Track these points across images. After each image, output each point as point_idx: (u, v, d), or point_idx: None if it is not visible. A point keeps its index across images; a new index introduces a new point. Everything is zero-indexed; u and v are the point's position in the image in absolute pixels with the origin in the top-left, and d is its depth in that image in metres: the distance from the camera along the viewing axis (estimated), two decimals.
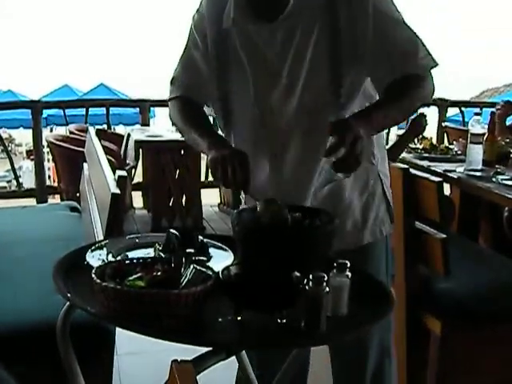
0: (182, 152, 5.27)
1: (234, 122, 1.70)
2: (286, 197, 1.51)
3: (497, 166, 2.98)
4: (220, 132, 1.76)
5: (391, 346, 1.86)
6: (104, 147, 3.50)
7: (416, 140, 3.53)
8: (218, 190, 6.25)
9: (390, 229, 1.79)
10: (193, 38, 1.73)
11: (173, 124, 1.85)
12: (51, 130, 11.76)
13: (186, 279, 1.19)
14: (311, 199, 1.66)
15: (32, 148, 6.75)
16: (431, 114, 5.37)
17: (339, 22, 1.54)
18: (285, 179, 1.66)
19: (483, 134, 2.99)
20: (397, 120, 1.68)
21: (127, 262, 1.30)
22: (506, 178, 2.75)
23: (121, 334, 1.89)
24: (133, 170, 5.64)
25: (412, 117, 3.23)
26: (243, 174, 1.44)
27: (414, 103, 1.63)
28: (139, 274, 1.21)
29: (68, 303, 1.38)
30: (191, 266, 1.22)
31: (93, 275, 1.19)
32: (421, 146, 3.47)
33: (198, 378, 0.97)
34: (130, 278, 1.19)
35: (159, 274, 1.21)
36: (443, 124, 5.92)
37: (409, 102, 1.60)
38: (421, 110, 3.68)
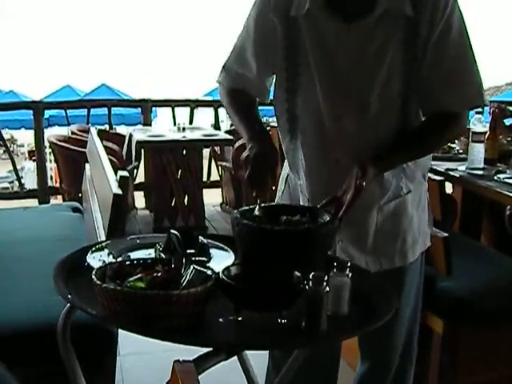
0: (184, 152, 5.28)
1: (299, 123, 1.64)
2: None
3: (498, 165, 2.97)
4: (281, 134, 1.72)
5: (416, 345, 1.87)
6: (106, 147, 3.51)
7: None
8: (219, 189, 6.26)
9: (429, 241, 1.79)
10: (248, 26, 1.67)
11: (223, 104, 1.79)
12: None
13: (187, 280, 1.19)
14: (376, 213, 1.65)
15: (34, 149, 6.75)
16: None
17: (419, 38, 1.50)
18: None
19: (485, 133, 2.98)
20: (418, 157, 1.65)
21: (127, 263, 1.30)
22: (508, 176, 2.74)
23: (123, 334, 1.88)
24: (135, 171, 5.65)
25: None
26: (261, 179, 1.47)
27: (443, 142, 1.79)
28: (139, 275, 1.21)
29: (69, 304, 1.39)
30: (191, 267, 1.22)
31: (93, 276, 1.19)
32: None
33: (199, 377, 0.97)
34: (131, 279, 1.19)
35: (159, 275, 1.21)
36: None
37: (438, 142, 1.70)
38: None
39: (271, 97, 1.76)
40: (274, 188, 1.81)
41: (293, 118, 1.64)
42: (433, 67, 1.52)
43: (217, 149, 6.05)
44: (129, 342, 2.40)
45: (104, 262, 1.36)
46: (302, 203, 1.71)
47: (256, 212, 1.44)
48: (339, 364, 1.92)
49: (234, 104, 1.72)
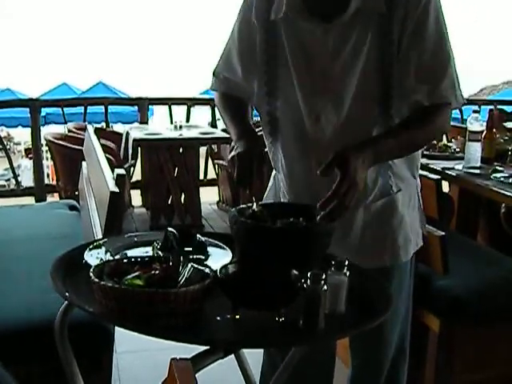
0: (181, 150, 5.28)
1: (279, 125, 1.65)
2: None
3: (495, 164, 2.98)
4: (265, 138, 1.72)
5: (408, 345, 1.87)
6: (103, 145, 3.51)
7: None
8: (216, 187, 6.26)
9: (421, 240, 1.78)
10: (233, 31, 1.69)
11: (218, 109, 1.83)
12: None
13: (184, 278, 1.19)
14: (363, 213, 1.64)
15: (30, 146, 6.74)
16: None
17: (392, 34, 1.49)
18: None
19: (481, 132, 2.99)
20: (405, 154, 1.60)
21: (125, 260, 1.30)
22: (505, 175, 2.75)
23: (120, 332, 1.88)
24: (131, 169, 5.64)
25: None
26: (244, 177, 1.48)
27: (430, 138, 1.66)
28: (137, 273, 1.21)
29: (66, 302, 1.38)
30: (189, 265, 1.22)
31: (91, 274, 1.19)
32: None
33: (196, 376, 0.97)
34: (128, 277, 1.19)
35: (157, 272, 1.21)
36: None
37: (420, 135, 1.56)
38: None
39: None
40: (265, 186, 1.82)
41: (273, 121, 1.65)
42: (406, 60, 1.50)
43: (214, 147, 6.04)
44: (125, 340, 2.40)
45: (102, 259, 1.36)
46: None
47: (254, 208, 1.44)
48: (335, 362, 1.92)
49: (225, 107, 1.75)
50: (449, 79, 1.53)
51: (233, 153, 1.52)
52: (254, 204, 1.45)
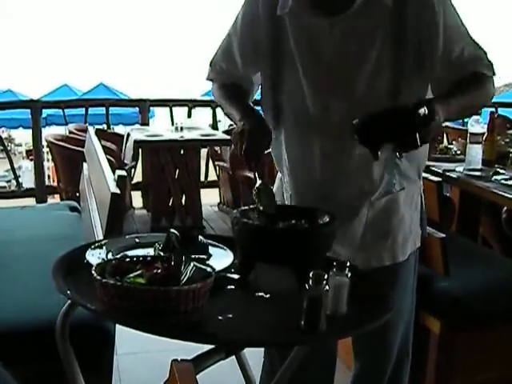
0: (182, 151, 5.28)
1: (283, 118, 1.65)
2: (338, 201, 1.52)
3: (496, 166, 2.98)
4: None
5: (411, 347, 1.87)
6: (103, 147, 3.51)
7: None
8: (217, 189, 6.26)
9: (419, 241, 1.78)
10: (236, 23, 1.69)
11: (215, 100, 1.83)
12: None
13: (187, 277, 1.19)
14: (367, 210, 1.64)
15: (31, 148, 6.74)
16: None
17: (406, 32, 1.50)
18: (339, 182, 1.62)
19: (482, 134, 2.99)
20: (465, 113, 1.67)
21: (127, 259, 1.30)
22: (506, 177, 2.74)
23: (121, 333, 1.89)
24: (132, 170, 5.64)
25: None
26: (254, 151, 1.47)
27: (482, 99, 1.64)
28: (139, 272, 1.21)
29: (68, 302, 1.39)
30: (191, 264, 1.22)
31: (93, 272, 1.19)
32: None
33: (197, 377, 0.97)
34: (131, 275, 1.19)
35: (159, 271, 1.21)
36: (443, 124, 5.91)
37: (477, 97, 1.60)
38: None
39: (257, 97, 1.78)
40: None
41: (277, 115, 1.65)
42: (437, 53, 1.52)
43: (217, 149, 6.04)
44: (126, 342, 2.40)
45: (103, 259, 1.36)
46: (285, 200, 1.73)
47: (258, 185, 1.46)
48: (336, 362, 1.92)
49: (224, 94, 1.75)
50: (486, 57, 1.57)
51: (240, 128, 1.50)
52: (258, 182, 1.46)
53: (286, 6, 1.55)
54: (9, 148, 11.15)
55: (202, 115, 7.59)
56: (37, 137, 6.04)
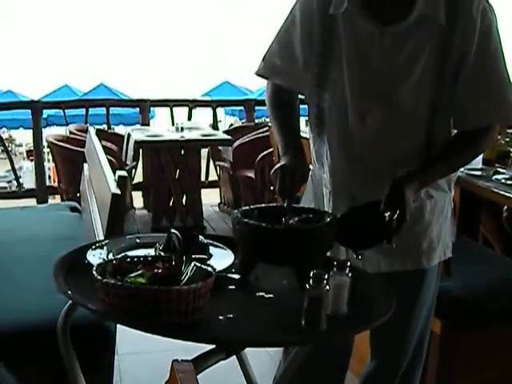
0: (182, 152, 5.28)
1: (326, 117, 1.65)
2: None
3: (496, 165, 2.97)
4: (308, 130, 1.74)
5: (425, 349, 1.87)
6: (104, 147, 3.51)
7: None
8: (218, 189, 6.26)
9: (450, 252, 1.78)
10: (294, 18, 1.67)
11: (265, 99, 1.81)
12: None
13: (187, 277, 1.19)
14: None
15: (32, 148, 6.75)
16: None
17: (452, 49, 1.52)
18: (369, 185, 1.62)
19: None
20: (452, 172, 1.69)
21: (128, 259, 1.30)
22: (506, 177, 2.74)
23: (121, 334, 1.89)
24: (133, 170, 5.64)
25: None
26: (289, 192, 1.49)
27: (478, 152, 1.75)
28: (140, 272, 1.21)
29: (69, 303, 1.39)
30: (192, 264, 1.22)
31: (94, 272, 1.19)
32: None
33: (198, 377, 0.97)
34: (131, 275, 1.19)
35: (160, 271, 1.21)
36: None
37: (469, 156, 1.67)
38: None
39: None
40: None
41: (320, 113, 1.65)
42: (467, 79, 1.54)
43: (221, 148, 6.03)
44: (127, 342, 2.40)
45: (104, 259, 1.36)
46: (324, 196, 1.72)
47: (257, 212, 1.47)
48: (349, 363, 1.91)
49: (275, 107, 1.74)
50: (508, 102, 1.59)
51: (278, 165, 1.53)
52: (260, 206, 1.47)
53: (341, 6, 1.55)
54: (9, 148, 11.16)
55: (203, 115, 7.59)
56: (37, 137, 6.05)
